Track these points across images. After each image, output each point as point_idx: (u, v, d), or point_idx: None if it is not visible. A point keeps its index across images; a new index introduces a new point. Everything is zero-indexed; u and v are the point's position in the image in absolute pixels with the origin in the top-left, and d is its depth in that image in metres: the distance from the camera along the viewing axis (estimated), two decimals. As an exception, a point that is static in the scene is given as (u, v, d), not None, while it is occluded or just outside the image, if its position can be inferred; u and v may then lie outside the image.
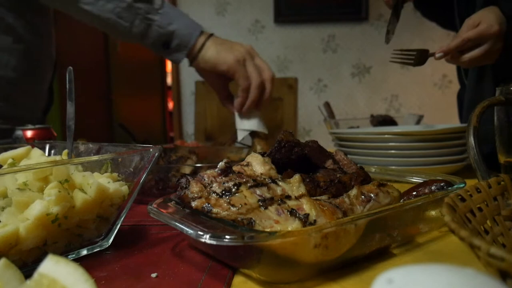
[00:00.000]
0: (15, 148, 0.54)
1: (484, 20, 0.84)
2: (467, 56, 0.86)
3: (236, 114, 0.98)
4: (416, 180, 0.56)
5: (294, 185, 0.42)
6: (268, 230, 0.36)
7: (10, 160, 0.51)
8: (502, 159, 0.61)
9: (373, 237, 0.41)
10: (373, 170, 0.62)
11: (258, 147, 0.94)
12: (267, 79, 0.94)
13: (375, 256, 0.42)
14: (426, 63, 0.92)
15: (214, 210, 0.38)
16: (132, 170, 0.49)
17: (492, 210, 0.37)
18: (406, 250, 0.45)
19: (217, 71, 0.94)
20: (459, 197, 0.35)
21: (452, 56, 0.88)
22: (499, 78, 1.00)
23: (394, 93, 3.09)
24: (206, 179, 0.42)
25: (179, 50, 0.93)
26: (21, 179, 0.42)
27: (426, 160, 0.83)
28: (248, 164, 0.45)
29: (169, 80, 4.02)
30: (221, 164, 0.43)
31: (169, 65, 3.92)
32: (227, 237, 0.33)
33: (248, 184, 0.40)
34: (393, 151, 0.85)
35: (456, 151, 0.84)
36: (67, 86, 0.55)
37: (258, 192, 0.40)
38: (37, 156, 0.53)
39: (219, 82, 0.99)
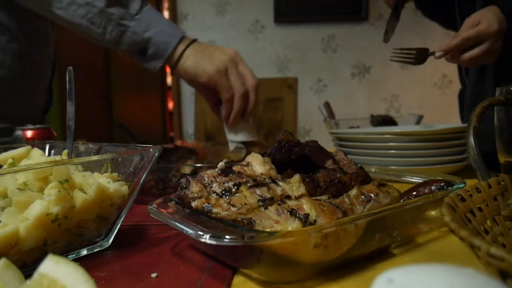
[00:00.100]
0: (15, 148, 0.54)
1: (484, 19, 0.84)
2: (467, 55, 0.86)
3: (225, 125, 0.95)
4: (416, 180, 0.56)
5: (294, 185, 0.42)
6: (268, 230, 0.36)
7: (10, 160, 0.51)
8: (502, 159, 0.61)
9: (373, 237, 0.41)
10: (373, 170, 0.62)
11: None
12: (251, 89, 0.89)
13: (375, 256, 0.42)
14: (426, 63, 0.92)
15: (214, 210, 0.38)
16: (132, 170, 0.49)
17: (492, 210, 0.37)
18: (406, 250, 0.45)
19: (197, 82, 0.90)
20: (459, 197, 0.35)
21: (452, 55, 0.88)
22: (500, 77, 1.00)
23: (394, 93, 3.09)
24: (206, 179, 0.42)
25: (156, 58, 0.89)
26: (21, 179, 0.42)
27: (426, 160, 0.83)
28: (248, 164, 0.45)
29: (169, 80, 4.02)
30: (221, 164, 0.43)
31: (169, 65, 3.91)
32: (227, 237, 0.33)
33: (248, 184, 0.40)
34: (393, 151, 0.85)
35: (456, 151, 0.84)
36: (67, 86, 0.55)
37: (258, 192, 0.40)
38: (37, 156, 0.53)
39: (206, 90, 0.95)
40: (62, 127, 2.47)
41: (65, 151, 0.55)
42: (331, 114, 1.59)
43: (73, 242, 0.44)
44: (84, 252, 0.46)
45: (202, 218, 0.38)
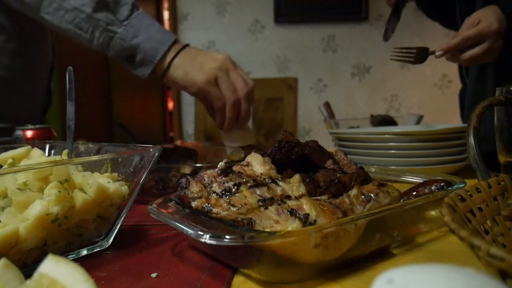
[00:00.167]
0: (15, 148, 0.54)
1: (484, 19, 0.84)
2: (467, 54, 0.86)
3: (220, 131, 0.94)
4: (416, 180, 0.56)
5: (294, 185, 0.42)
6: (268, 230, 0.36)
7: (10, 160, 0.51)
8: (502, 159, 0.61)
9: (373, 237, 0.41)
10: (373, 170, 0.62)
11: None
12: (242, 97, 0.85)
13: (375, 256, 0.42)
14: (426, 63, 0.92)
15: (214, 210, 0.38)
16: (132, 170, 0.49)
17: (492, 210, 0.37)
18: (406, 250, 0.45)
19: (188, 92, 0.88)
20: (459, 197, 0.35)
21: (452, 54, 0.88)
22: (501, 76, 1.00)
23: (394, 93, 3.09)
24: (206, 179, 0.42)
25: (144, 64, 0.86)
26: (21, 179, 0.42)
27: (426, 160, 0.83)
28: (248, 164, 0.45)
29: (169, 80, 4.01)
30: (221, 164, 0.43)
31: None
32: (227, 237, 0.33)
33: (248, 184, 0.40)
34: (393, 151, 0.85)
35: (456, 151, 0.84)
36: (67, 86, 0.55)
37: (258, 192, 0.40)
38: (37, 156, 0.53)
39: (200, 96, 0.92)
40: (62, 127, 2.47)
41: (65, 151, 0.55)
42: (331, 114, 1.59)
43: (73, 242, 0.44)
44: (84, 252, 0.46)
45: (202, 218, 0.38)
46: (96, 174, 0.48)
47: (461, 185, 0.49)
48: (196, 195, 0.40)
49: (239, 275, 0.40)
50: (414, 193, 0.50)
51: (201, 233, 0.34)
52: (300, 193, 0.41)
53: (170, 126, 4.00)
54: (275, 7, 3.03)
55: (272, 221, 0.37)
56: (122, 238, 0.51)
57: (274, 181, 0.42)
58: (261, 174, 0.43)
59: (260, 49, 3.10)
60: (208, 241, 0.33)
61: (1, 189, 0.42)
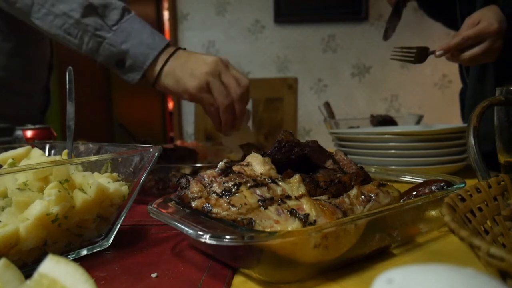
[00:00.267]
0: (15, 148, 0.54)
1: (484, 19, 0.84)
2: (467, 54, 0.86)
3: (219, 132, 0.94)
4: (416, 180, 0.56)
5: (294, 185, 0.42)
6: (268, 230, 0.36)
7: (10, 160, 0.51)
8: (502, 159, 0.61)
9: (373, 237, 0.41)
10: (373, 170, 0.62)
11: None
12: (236, 99, 0.83)
13: (375, 256, 0.42)
14: (426, 63, 0.92)
15: (214, 210, 0.38)
16: (132, 170, 0.49)
17: (492, 210, 0.37)
18: (406, 250, 0.45)
19: (181, 98, 0.85)
20: (459, 197, 0.35)
21: (452, 54, 0.88)
22: (501, 76, 1.00)
23: (394, 93, 3.09)
24: (206, 179, 0.42)
25: (133, 70, 0.85)
26: (21, 179, 0.42)
27: (426, 160, 0.83)
28: (248, 164, 0.45)
29: (169, 80, 4.01)
30: (221, 164, 0.43)
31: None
32: (227, 237, 0.33)
33: (248, 184, 0.40)
34: (393, 151, 0.85)
35: (456, 151, 0.84)
36: (67, 86, 0.55)
37: (258, 192, 0.40)
38: (37, 156, 0.53)
39: None
40: (62, 127, 2.47)
41: (65, 151, 0.55)
42: (331, 114, 1.59)
43: (73, 242, 0.44)
44: (84, 252, 0.46)
45: (202, 218, 0.38)
46: (96, 174, 0.48)
47: (461, 185, 0.49)
48: (196, 195, 0.40)
49: (239, 275, 0.40)
50: (414, 193, 0.50)
51: (201, 233, 0.34)
52: (300, 193, 0.41)
53: (170, 126, 4.00)
54: (275, 7, 3.03)
55: (272, 221, 0.37)
56: (122, 238, 0.51)
57: (274, 181, 0.42)
58: (261, 174, 0.43)
59: (260, 49, 3.10)
60: (208, 241, 0.33)
61: (1, 189, 0.42)
